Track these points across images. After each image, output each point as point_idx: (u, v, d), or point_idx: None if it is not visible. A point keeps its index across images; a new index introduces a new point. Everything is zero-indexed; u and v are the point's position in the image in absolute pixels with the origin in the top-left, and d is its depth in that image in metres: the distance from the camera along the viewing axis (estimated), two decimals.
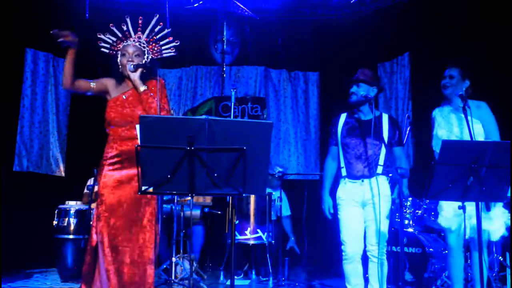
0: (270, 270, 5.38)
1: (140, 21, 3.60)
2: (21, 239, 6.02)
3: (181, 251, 5.44)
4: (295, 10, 7.46)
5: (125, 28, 3.58)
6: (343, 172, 3.85)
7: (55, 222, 5.53)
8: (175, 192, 3.16)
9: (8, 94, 6.42)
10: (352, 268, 3.76)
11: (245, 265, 5.93)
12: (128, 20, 3.59)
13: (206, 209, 6.02)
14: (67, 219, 5.50)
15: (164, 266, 5.29)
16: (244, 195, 3.03)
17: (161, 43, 3.65)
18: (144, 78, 3.49)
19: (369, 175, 3.76)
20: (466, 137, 3.56)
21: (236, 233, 5.41)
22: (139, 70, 3.47)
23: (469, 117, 3.46)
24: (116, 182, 3.40)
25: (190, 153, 2.69)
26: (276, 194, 5.69)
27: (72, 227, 5.48)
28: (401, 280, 3.51)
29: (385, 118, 3.88)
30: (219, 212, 6.10)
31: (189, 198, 5.14)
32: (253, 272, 5.82)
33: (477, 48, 5.34)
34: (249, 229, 5.46)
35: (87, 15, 3.46)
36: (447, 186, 3.04)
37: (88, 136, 7.30)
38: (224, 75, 6.88)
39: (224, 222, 5.79)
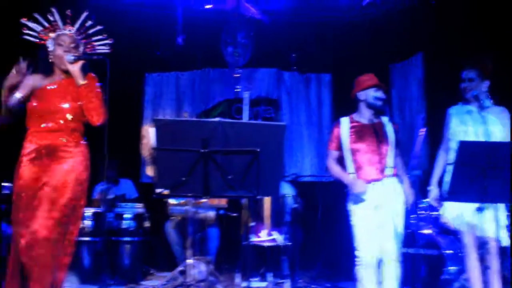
0: (287, 273, 5.38)
1: (68, 13, 3.34)
2: None
3: (197, 253, 5.45)
4: (307, 12, 7.46)
5: (52, 18, 3.31)
6: (353, 177, 3.85)
7: None
8: (190, 195, 3.20)
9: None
10: (367, 273, 3.71)
11: (261, 267, 5.93)
12: (55, 11, 3.32)
13: (221, 211, 6.04)
14: (84, 221, 5.55)
15: (180, 268, 5.31)
16: (258, 197, 3.04)
17: (94, 38, 3.42)
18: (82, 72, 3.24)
19: (381, 177, 3.76)
20: (482, 138, 3.55)
21: (251, 235, 5.42)
22: (80, 62, 3.21)
23: (489, 116, 3.45)
24: (35, 179, 3.10)
25: (205, 156, 2.72)
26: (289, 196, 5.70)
27: (89, 230, 5.53)
28: (418, 282, 3.49)
29: (385, 120, 3.93)
30: (234, 214, 6.11)
31: (204, 200, 5.17)
32: (269, 275, 5.81)
33: (490, 46, 5.31)
34: (264, 231, 5.47)
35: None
36: (465, 186, 3.03)
37: (103, 140, 7.37)
38: (239, 75, 6.90)
39: (239, 224, 5.80)
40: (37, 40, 3.28)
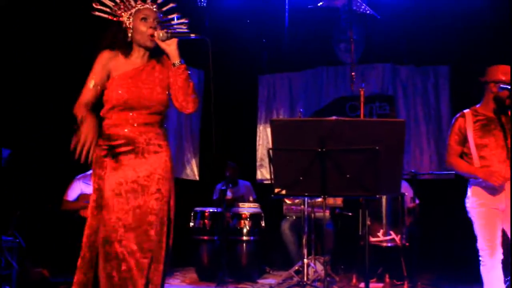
0: (405, 274, 5.20)
1: None
2: None
3: (313, 252, 5.44)
4: (420, 2, 7.15)
5: None
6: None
7: (191, 224, 5.80)
8: (307, 194, 3.18)
9: None
10: (492, 275, 3.48)
11: (379, 268, 5.78)
12: None
13: (337, 210, 5.97)
14: (202, 220, 5.75)
15: (296, 267, 5.32)
16: (377, 196, 2.95)
17: (173, 22, 2.92)
18: (159, 54, 2.83)
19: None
20: None
21: (369, 235, 5.30)
22: (176, 39, 2.75)
23: None
24: (125, 178, 2.70)
25: (322, 155, 2.68)
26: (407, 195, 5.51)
27: (207, 229, 5.71)
28: None
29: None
30: (350, 214, 6.02)
31: (320, 199, 5.13)
32: (386, 276, 5.65)
33: None
34: (381, 231, 5.33)
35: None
36: None
37: (220, 142, 7.63)
38: (354, 74, 6.78)
39: (355, 223, 5.69)
40: (111, 16, 2.83)
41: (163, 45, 2.73)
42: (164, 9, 2.87)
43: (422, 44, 7.14)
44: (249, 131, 7.70)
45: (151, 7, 2.82)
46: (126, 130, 2.72)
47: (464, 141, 3.66)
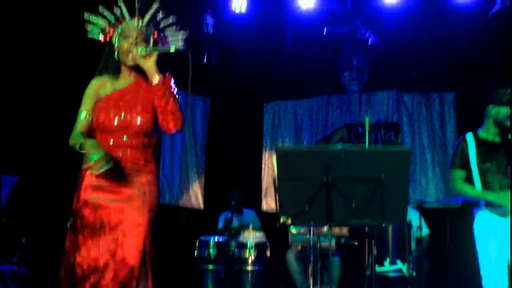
0: None
1: (137, 6, 2.77)
2: (165, 268, 6.33)
3: (319, 282, 5.36)
4: (425, 29, 7.18)
5: (118, 12, 2.76)
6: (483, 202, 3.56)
7: (196, 253, 5.75)
8: (312, 223, 3.15)
9: None
10: None
11: None
12: (122, 4, 2.76)
13: (342, 240, 5.91)
14: (207, 250, 5.70)
15: None
16: (383, 225, 2.92)
17: (167, 33, 2.80)
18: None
19: None
20: None
21: (374, 264, 5.23)
22: (155, 54, 2.63)
23: None
24: (99, 200, 2.61)
25: (327, 184, 2.66)
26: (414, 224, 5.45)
27: (212, 258, 5.66)
28: None
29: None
30: (356, 243, 5.95)
31: (325, 229, 5.09)
32: None
33: None
34: (388, 260, 5.26)
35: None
36: None
37: (225, 170, 7.62)
38: (358, 100, 6.78)
39: (361, 252, 5.63)
40: (102, 37, 2.76)
41: (141, 61, 2.63)
42: (163, 24, 2.77)
43: (427, 71, 7.16)
44: (254, 159, 7.69)
45: (136, 23, 2.72)
46: None
47: (466, 165, 3.62)
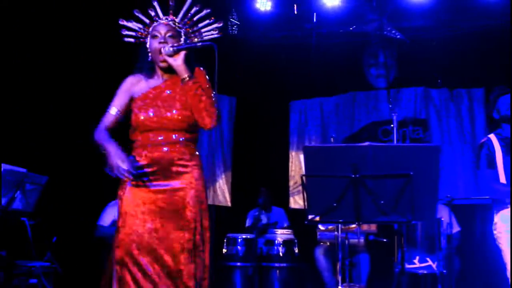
0: None
1: (171, 4, 2.77)
2: None
3: (347, 279, 5.36)
4: (452, 24, 7.10)
5: (153, 13, 2.78)
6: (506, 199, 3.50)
7: (224, 250, 5.79)
8: (341, 221, 3.15)
9: None
10: None
11: None
12: (156, 4, 2.78)
13: (371, 237, 5.89)
14: (235, 247, 5.73)
15: None
16: (412, 222, 2.91)
17: (200, 25, 2.80)
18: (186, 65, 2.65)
19: None
20: None
21: (404, 261, 5.20)
22: (182, 52, 2.62)
23: None
24: (145, 198, 2.61)
25: (355, 181, 2.66)
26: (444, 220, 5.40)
27: (240, 255, 5.69)
28: None
29: None
30: (385, 240, 5.92)
31: (353, 225, 5.08)
32: None
33: None
34: (417, 257, 5.23)
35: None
36: None
37: (252, 168, 7.66)
38: (385, 97, 6.73)
39: (390, 249, 5.60)
40: (137, 40, 2.80)
41: (170, 60, 2.63)
42: (196, 17, 2.77)
43: (455, 67, 7.07)
44: (281, 157, 7.70)
45: (165, 21, 2.72)
46: (147, 152, 2.63)
47: (493, 165, 3.56)
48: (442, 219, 5.41)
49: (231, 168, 7.62)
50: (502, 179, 3.51)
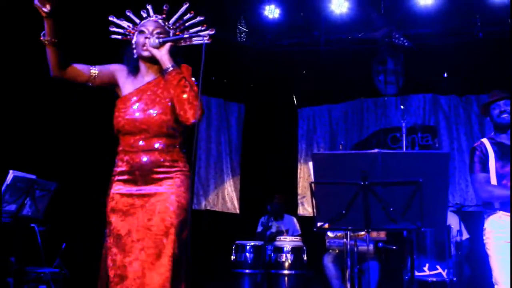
0: None
1: (165, 8, 2.74)
2: (202, 272, 6.39)
3: (356, 287, 5.33)
4: (460, 31, 7.09)
5: (145, 14, 2.76)
6: (496, 204, 3.46)
7: (233, 257, 5.79)
8: (350, 228, 3.14)
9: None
10: None
11: None
12: (150, 7, 2.76)
13: (380, 244, 5.86)
14: (244, 254, 5.73)
15: None
16: (422, 229, 2.89)
17: (191, 31, 2.72)
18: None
19: None
20: None
21: (414, 269, 5.17)
22: (168, 44, 2.59)
23: None
24: (127, 206, 2.58)
25: (364, 188, 2.66)
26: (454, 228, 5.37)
27: (249, 262, 5.68)
28: None
29: None
30: (394, 247, 5.89)
31: (362, 233, 5.06)
32: None
33: None
34: (427, 264, 5.19)
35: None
36: None
37: (261, 174, 7.66)
38: (394, 104, 6.72)
39: (399, 257, 5.58)
40: (124, 37, 2.76)
41: (154, 51, 2.58)
42: (188, 23, 2.72)
43: (463, 73, 7.05)
44: (289, 164, 7.70)
45: (154, 18, 2.70)
46: (128, 158, 2.58)
47: (486, 169, 3.52)
48: (452, 226, 5.38)
49: (240, 174, 7.62)
50: (494, 183, 3.49)
